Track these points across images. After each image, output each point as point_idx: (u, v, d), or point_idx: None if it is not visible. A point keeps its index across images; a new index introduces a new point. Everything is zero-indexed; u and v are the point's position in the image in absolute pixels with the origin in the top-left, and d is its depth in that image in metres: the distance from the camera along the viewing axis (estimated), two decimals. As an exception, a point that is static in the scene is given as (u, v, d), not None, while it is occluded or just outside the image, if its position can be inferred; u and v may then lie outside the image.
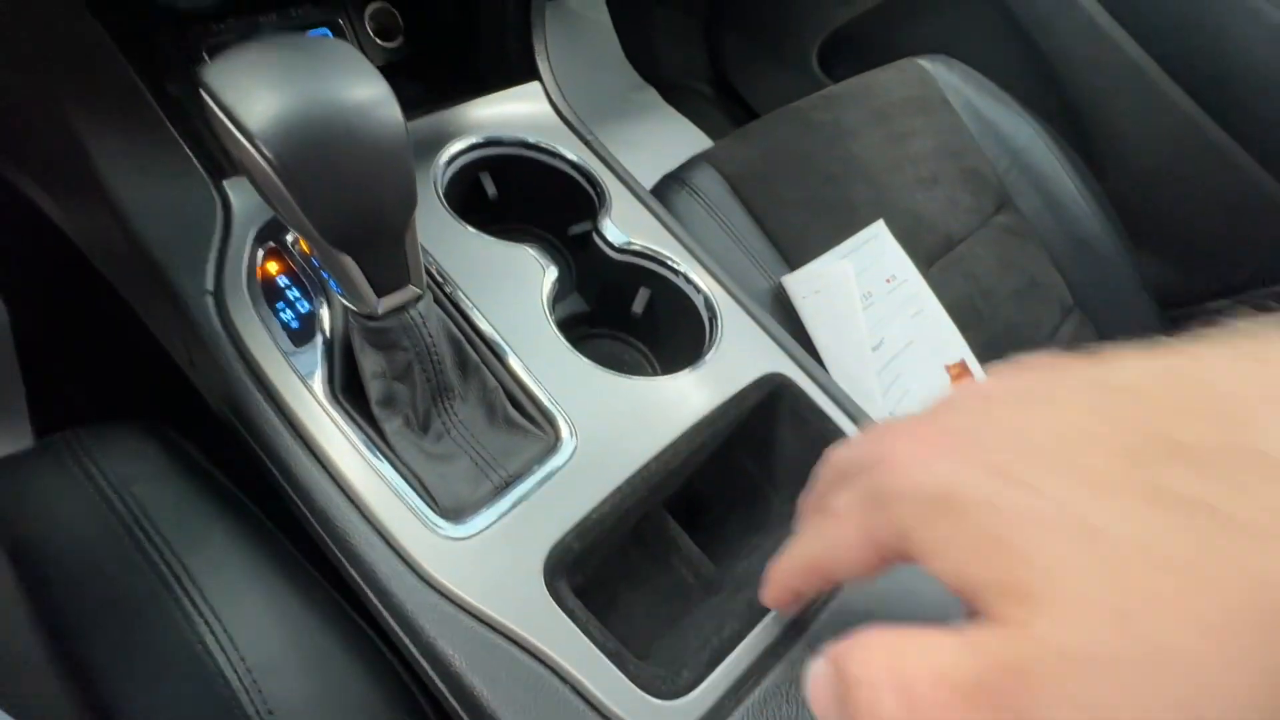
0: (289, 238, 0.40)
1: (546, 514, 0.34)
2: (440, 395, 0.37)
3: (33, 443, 0.72)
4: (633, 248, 0.47)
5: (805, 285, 0.59)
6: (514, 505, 0.34)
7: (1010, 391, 0.15)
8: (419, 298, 0.34)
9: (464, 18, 0.54)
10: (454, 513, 0.33)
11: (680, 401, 0.40)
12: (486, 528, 0.33)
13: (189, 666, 0.32)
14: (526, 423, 0.37)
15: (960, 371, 0.68)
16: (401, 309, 0.34)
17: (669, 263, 0.47)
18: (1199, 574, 0.11)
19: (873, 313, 0.63)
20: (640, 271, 0.48)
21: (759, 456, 0.46)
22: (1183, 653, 0.10)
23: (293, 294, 0.39)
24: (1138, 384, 0.13)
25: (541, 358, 0.39)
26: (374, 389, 0.35)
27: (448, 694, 0.32)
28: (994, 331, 0.73)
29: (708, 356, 0.43)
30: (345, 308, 0.36)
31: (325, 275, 0.37)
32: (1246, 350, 0.12)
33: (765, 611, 0.34)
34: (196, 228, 0.39)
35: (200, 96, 0.27)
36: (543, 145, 0.49)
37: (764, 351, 0.44)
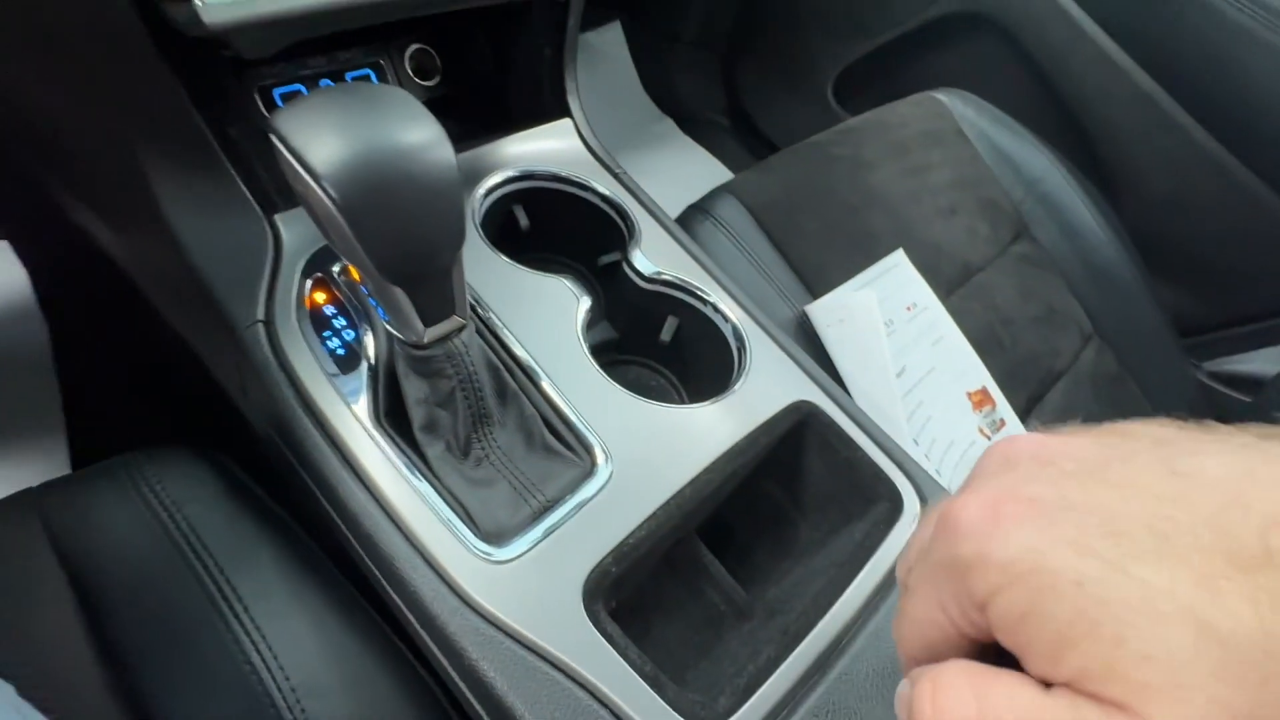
0: (335, 268, 0.42)
1: (584, 539, 0.35)
2: (480, 421, 0.38)
3: (68, 464, 0.74)
4: (662, 278, 0.49)
5: (829, 314, 0.60)
6: (552, 530, 0.35)
7: (1080, 464, 0.15)
8: (463, 327, 0.36)
9: (499, 59, 0.57)
10: (494, 536, 0.34)
11: (712, 429, 0.41)
12: (526, 551, 0.34)
13: (236, 685, 0.33)
14: (563, 448, 0.38)
15: (982, 398, 0.68)
16: (446, 338, 0.35)
17: (697, 292, 0.48)
18: None
19: (894, 340, 0.64)
20: (668, 300, 0.49)
21: (787, 483, 0.47)
22: None
23: (339, 322, 0.40)
24: (1223, 481, 0.13)
25: (577, 385, 0.40)
26: (417, 415, 0.37)
27: (485, 717, 0.32)
28: (1015, 359, 0.73)
29: (737, 385, 0.44)
30: (390, 336, 0.38)
31: (374, 304, 0.39)
32: None
33: (800, 638, 0.34)
34: (249, 260, 0.41)
35: (270, 140, 0.29)
36: (575, 179, 0.51)
37: (791, 380, 0.45)
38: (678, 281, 0.48)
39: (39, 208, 0.61)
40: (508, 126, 0.54)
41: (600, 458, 0.37)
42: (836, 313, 0.59)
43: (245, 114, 0.43)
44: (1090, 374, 0.79)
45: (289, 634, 0.35)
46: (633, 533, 0.35)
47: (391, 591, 0.35)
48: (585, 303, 0.45)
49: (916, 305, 0.67)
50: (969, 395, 0.67)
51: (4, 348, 0.82)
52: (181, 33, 0.33)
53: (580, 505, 0.35)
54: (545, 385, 0.40)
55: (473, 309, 0.42)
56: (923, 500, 0.41)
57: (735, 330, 0.47)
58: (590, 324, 0.47)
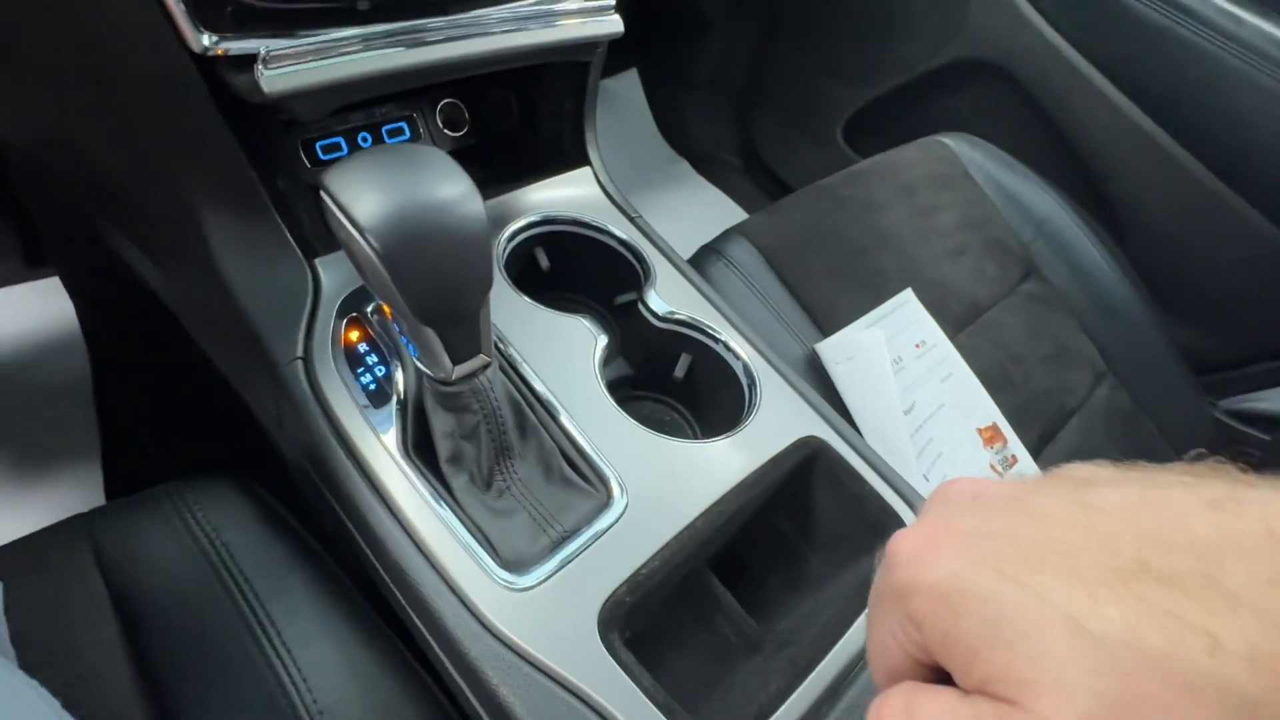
0: (368, 309, 0.45)
1: (600, 568, 0.36)
2: (502, 454, 0.40)
3: (102, 491, 0.77)
4: (675, 317, 0.51)
5: (838, 352, 0.62)
6: (569, 559, 0.36)
7: (1006, 500, 0.17)
8: (488, 365, 0.38)
9: (523, 111, 0.61)
10: (515, 565, 0.36)
11: (723, 463, 0.42)
12: (545, 580, 0.35)
13: (266, 705, 0.35)
14: (580, 480, 0.40)
15: (993, 435, 0.69)
16: (472, 375, 0.38)
17: (710, 331, 0.50)
18: (1181, 678, 0.13)
19: (903, 377, 0.65)
20: (682, 338, 0.51)
21: (796, 517, 0.48)
22: None
23: (371, 359, 0.43)
24: (1118, 508, 0.15)
25: (594, 420, 0.42)
26: (443, 447, 0.39)
27: (502, 741, 0.33)
28: (1026, 396, 0.74)
29: (748, 421, 0.45)
30: (419, 372, 0.40)
31: (405, 341, 0.41)
32: (1218, 499, 0.14)
33: (808, 669, 0.35)
34: (291, 301, 0.44)
35: (316, 192, 0.32)
36: (594, 223, 0.54)
37: (801, 416, 0.47)
38: (690, 321, 0.51)
39: (90, 245, 0.65)
40: (531, 173, 0.58)
41: (616, 490, 0.39)
42: (845, 350, 0.61)
43: (292, 167, 0.47)
44: (1104, 411, 0.80)
45: (317, 657, 0.37)
46: (646, 563, 0.37)
47: (415, 616, 0.37)
48: (602, 340, 0.47)
49: (925, 343, 0.69)
50: (979, 432, 0.68)
51: (48, 376, 0.86)
52: (243, 99, 0.37)
53: (596, 536, 0.37)
54: (564, 419, 0.42)
55: (495, 346, 0.45)
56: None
57: (746, 368, 0.49)
58: (606, 361, 0.49)
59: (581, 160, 0.60)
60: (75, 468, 0.78)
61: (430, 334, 0.35)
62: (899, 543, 0.17)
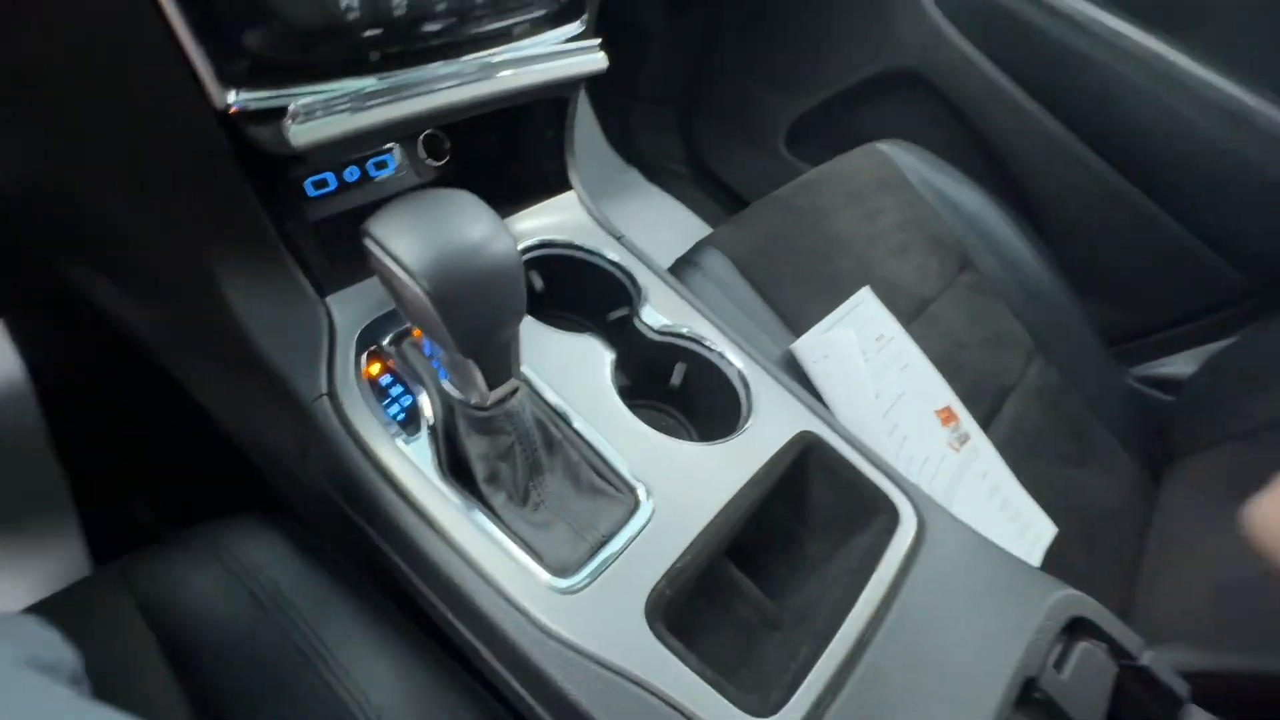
0: (384, 341, 0.47)
1: (639, 566, 0.40)
2: (535, 471, 0.43)
3: (86, 561, 0.74)
4: (671, 330, 0.55)
5: (814, 351, 0.67)
6: (610, 561, 0.40)
7: None
8: (518, 389, 0.41)
9: (505, 141, 0.63)
10: (561, 570, 0.39)
11: (734, 462, 0.46)
12: (592, 581, 0.38)
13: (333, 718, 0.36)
14: (608, 487, 0.43)
15: (948, 415, 0.76)
16: (505, 399, 0.40)
17: (704, 341, 0.54)
18: None
19: (868, 369, 0.71)
20: (677, 350, 0.55)
21: (792, 504, 0.53)
22: None
23: (395, 390, 0.45)
24: None
25: (614, 431, 0.45)
26: (480, 469, 0.41)
27: (567, 735, 0.36)
28: (971, 378, 0.82)
29: (748, 423, 0.50)
30: (446, 399, 0.42)
31: (437, 366, 0.43)
32: None
33: (830, 636, 0.39)
34: (308, 340, 0.45)
35: (364, 241, 0.34)
36: (589, 247, 0.57)
37: (793, 413, 0.52)
38: (685, 332, 0.55)
39: (50, 291, 0.63)
40: (514, 199, 0.60)
41: (643, 494, 0.43)
42: (821, 349, 0.67)
43: (296, 207, 0.48)
44: (1037, 387, 0.89)
45: (375, 677, 0.39)
46: (680, 557, 0.40)
47: (465, 630, 0.39)
48: (609, 356, 0.50)
49: (884, 336, 0.76)
50: (937, 414, 0.75)
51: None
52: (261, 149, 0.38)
53: (632, 537, 0.40)
54: (587, 433, 0.45)
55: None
56: (917, 511, 0.47)
57: (740, 374, 0.53)
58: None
59: (562, 185, 0.63)
60: (49, 530, 0.74)
61: (470, 364, 0.37)
62: None
